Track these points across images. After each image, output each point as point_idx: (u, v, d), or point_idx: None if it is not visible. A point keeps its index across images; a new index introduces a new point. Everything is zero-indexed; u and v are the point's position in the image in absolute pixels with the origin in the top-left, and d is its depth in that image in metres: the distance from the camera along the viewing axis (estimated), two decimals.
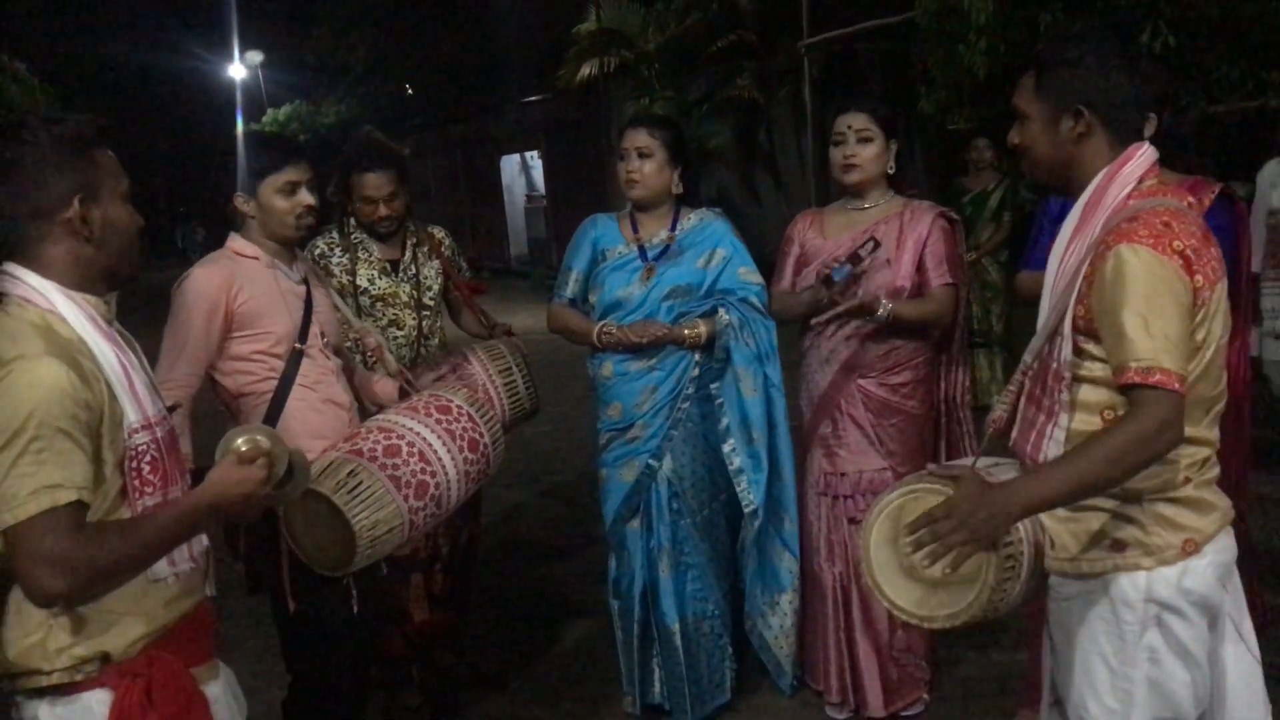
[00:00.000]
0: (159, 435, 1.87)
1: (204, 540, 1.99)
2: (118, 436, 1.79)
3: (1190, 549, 1.95)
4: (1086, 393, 1.95)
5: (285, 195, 2.76)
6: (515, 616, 4.53)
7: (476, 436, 2.72)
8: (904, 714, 3.44)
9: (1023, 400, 2.07)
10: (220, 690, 2.00)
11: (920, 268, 3.32)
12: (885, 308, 3.17)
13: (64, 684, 1.78)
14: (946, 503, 1.87)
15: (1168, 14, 7.03)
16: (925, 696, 3.49)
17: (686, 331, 3.31)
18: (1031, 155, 2.07)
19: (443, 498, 2.62)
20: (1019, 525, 1.94)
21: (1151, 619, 1.95)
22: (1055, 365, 1.98)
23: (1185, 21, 7.08)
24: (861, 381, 3.34)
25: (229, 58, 25.98)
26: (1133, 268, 1.83)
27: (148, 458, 1.83)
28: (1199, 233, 1.92)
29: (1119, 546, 1.97)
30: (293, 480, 2.09)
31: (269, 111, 27.07)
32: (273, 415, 2.72)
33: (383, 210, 3.54)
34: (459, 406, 2.74)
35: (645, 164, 3.37)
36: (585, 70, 14.49)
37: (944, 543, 1.84)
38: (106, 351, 1.82)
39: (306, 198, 2.78)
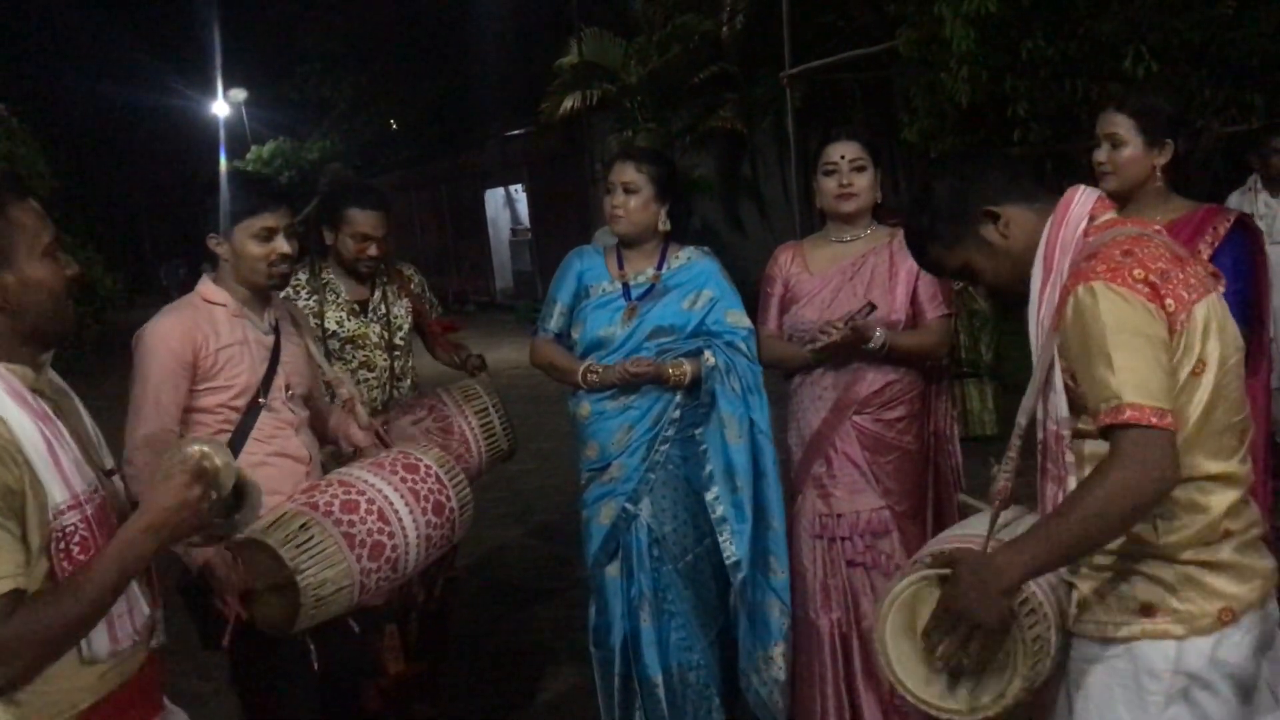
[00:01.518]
0: (89, 513, 1.73)
1: (145, 609, 1.84)
2: (43, 518, 1.67)
3: (1227, 618, 1.81)
4: (1091, 448, 1.84)
5: (260, 241, 2.60)
6: (495, 665, 4.38)
7: (443, 500, 2.59)
8: None
9: (1038, 478, 1.96)
10: None
11: (914, 299, 3.23)
12: (879, 339, 3.08)
13: None
14: (942, 598, 1.79)
15: (1150, 40, 7.03)
16: None
17: (671, 370, 3.19)
18: (999, 287, 2.03)
19: (399, 560, 2.49)
20: (1042, 601, 1.84)
21: (1179, 692, 1.81)
22: (1054, 426, 1.87)
23: (1167, 46, 7.08)
24: (856, 418, 3.23)
25: (213, 95, 25.95)
26: (1089, 309, 1.75)
27: (76, 538, 1.70)
28: (1167, 254, 1.83)
29: (1148, 611, 1.83)
30: (244, 507, 1.93)
31: (253, 148, 27.03)
32: None
33: (373, 250, 3.45)
34: (427, 466, 2.62)
35: (631, 199, 3.26)
36: (568, 103, 14.53)
37: (951, 640, 1.78)
38: (29, 428, 1.68)
39: (283, 245, 2.62)
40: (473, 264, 22.23)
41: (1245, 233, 2.77)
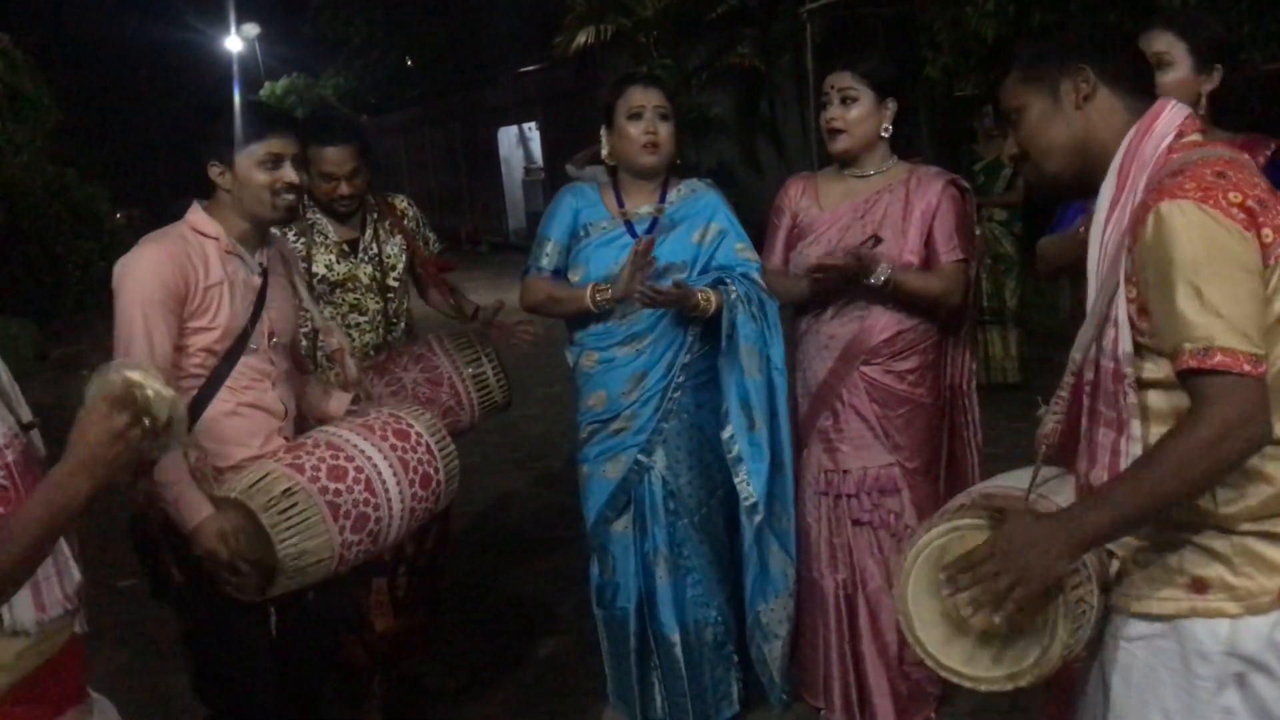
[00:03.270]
0: (9, 459, 1.60)
1: (76, 575, 1.69)
2: None
3: None
4: (1156, 399, 1.63)
5: (266, 168, 2.39)
6: (491, 619, 4.25)
7: (431, 472, 2.46)
8: None
9: (1084, 419, 1.74)
10: None
11: (929, 241, 3.01)
12: (883, 272, 2.87)
13: None
14: (989, 541, 1.58)
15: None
16: (932, 716, 3.20)
17: (700, 296, 2.97)
18: (1037, 150, 1.78)
19: (381, 533, 2.38)
20: (1085, 560, 1.64)
21: (1231, 676, 1.63)
22: (1113, 364, 1.65)
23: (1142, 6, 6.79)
24: (865, 369, 3.03)
25: (225, 30, 25.61)
26: (1177, 228, 1.52)
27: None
28: (1263, 183, 1.60)
29: (1200, 587, 1.64)
30: (170, 427, 1.67)
31: (266, 84, 26.75)
32: (191, 417, 2.40)
33: (344, 188, 3.24)
34: (418, 434, 2.47)
35: (664, 126, 3.05)
36: (581, 38, 14.25)
37: (987, 588, 1.57)
38: None
39: (290, 174, 2.42)
40: (485, 203, 22.05)
41: None
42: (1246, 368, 1.48)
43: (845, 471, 3.08)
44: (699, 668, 3.17)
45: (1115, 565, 1.71)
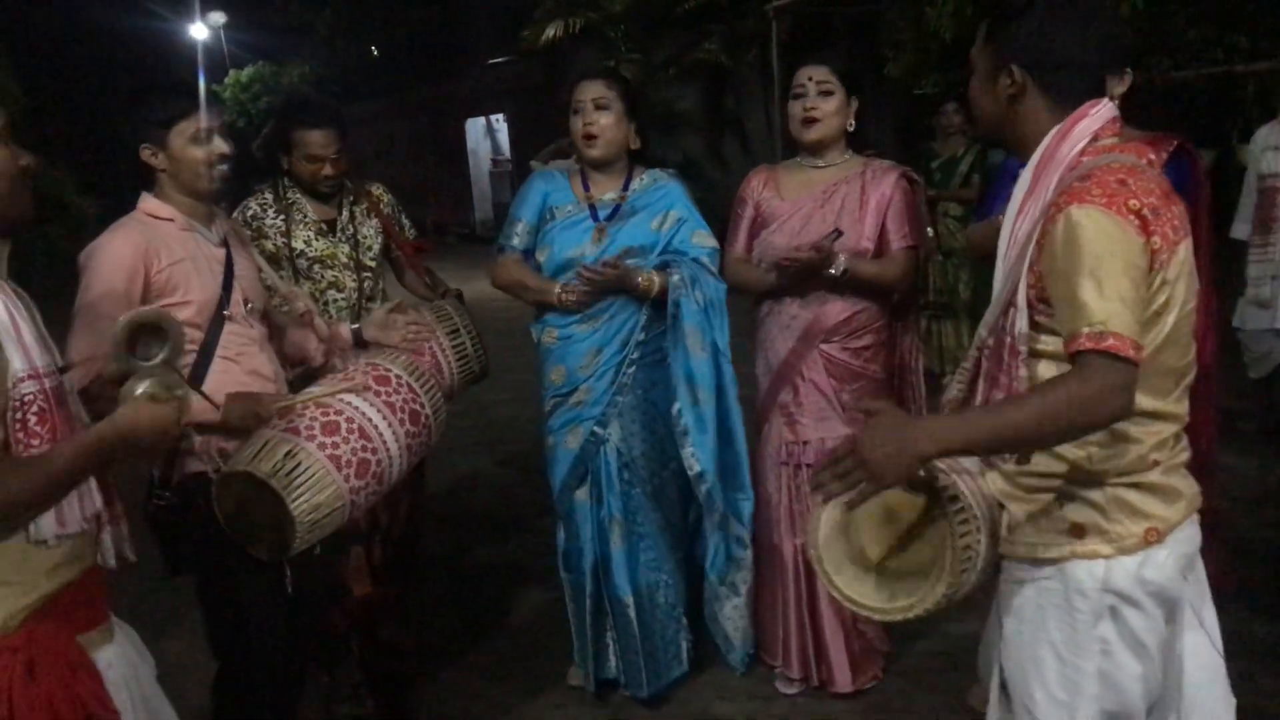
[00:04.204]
0: (48, 387, 1.77)
1: (96, 502, 1.86)
2: (2, 385, 1.71)
3: (1152, 538, 1.84)
4: (1045, 369, 1.84)
5: (199, 144, 2.54)
6: (464, 589, 4.43)
7: (417, 408, 2.61)
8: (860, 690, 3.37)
9: (981, 380, 1.95)
10: (115, 654, 1.92)
11: (882, 229, 3.22)
12: (840, 264, 3.08)
13: None
14: (850, 439, 1.75)
15: None
16: (880, 674, 3.42)
17: (640, 278, 3.17)
18: (975, 109, 1.97)
19: (384, 474, 2.52)
20: (977, 514, 1.84)
21: (1106, 609, 1.85)
22: (1010, 340, 1.85)
23: None
24: (824, 346, 3.25)
25: (191, 18, 25.39)
26: (1084, 230, 1.71)
27: (34, 409, 1.73)
28: (1159, 190, 1.79)
29: (1078, 532, 1.86)
30: (169, 346, 2.04)
31: (231, 72, 26.54)
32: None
33: (328, 169, 3.40)
34: (398, 376, 2.62)
35: (602, 116, 3.22)
36: (550, 31, 14.33)
37: (843, 482, 1.72)
38: None
39: (221, 145, 2.56)
40: (453, 195, 22.03)
41: (1185, 159, 2.76)
42: (1130, 353, 1.66)
43: (805, 442, 3.29)
44: (651, 629, 3.36)
45: (1007, 518, 1.92)
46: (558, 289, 3.23)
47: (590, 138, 3.23)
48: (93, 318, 2.42)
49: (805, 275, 3.15)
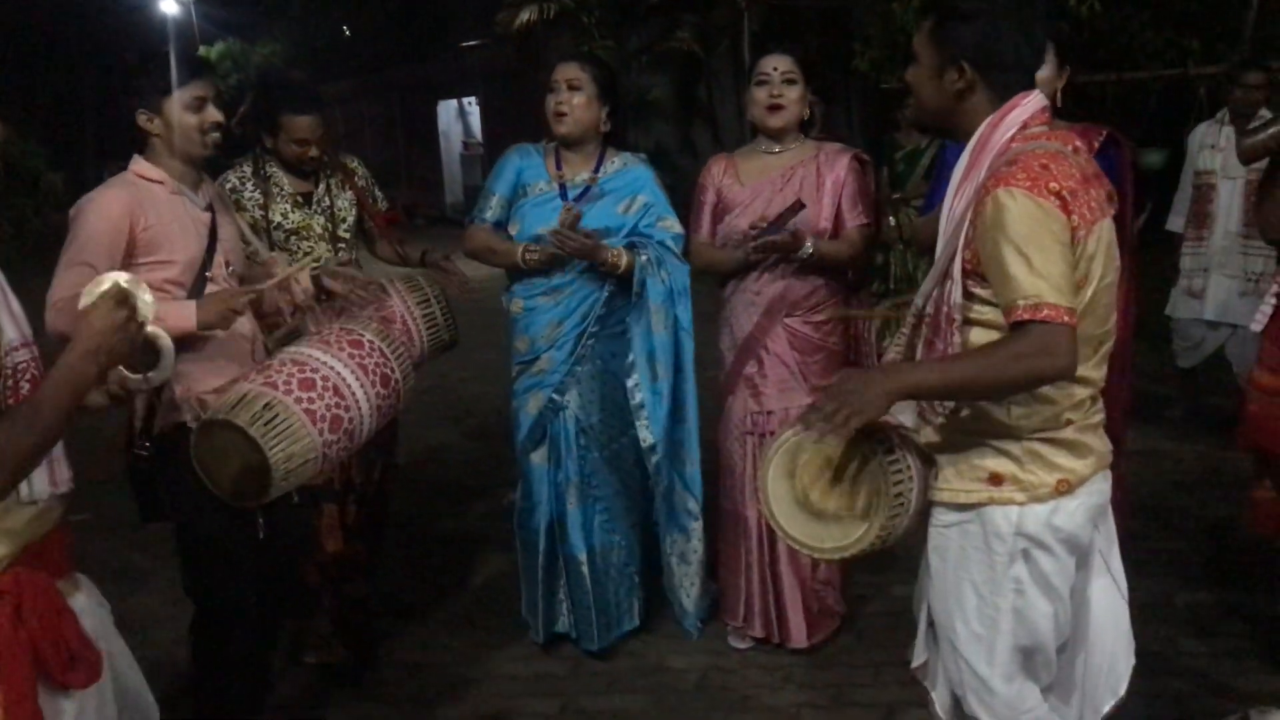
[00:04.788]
0: (36, 353, 1.85)
1: (67, 466, 1.94)
2: None
3: (1063, 489, 2.02)
4: (977, 335, 2.00)
5: (194, 111, 2.68)
6: (430, 551, 4.58)
7: (388, 372, 2.74)
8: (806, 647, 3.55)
9: (919, 347, 2.12)
10: (84, 601, 1.99)
11: (837, 209, 3.40)
12: (809, 247, 3.25)
13: None
14: (833, 393, 1.93)
15: None
16: (831, 633, 3.62)
17: (609, 254, 3.31)
18: (917, 98, 2.12)
19: (355, 431, 2.64)
20: (909, 464, 2.02)
21: (1019, 552, 2.03)
22: (946, 309, 2.01)
23: None
24: (788, 320, 3.41)
25: None
26: (1010, 210, 1.87)
27: (27, 376, 1.81)
28: (1078, 175, 1.96)
29: (996, 480, 2.03)
30: (159, 365, 2.14)
31: (201, 48, 26.26)
32: (177, 348, 2.69)
33: (314, 151, 3.52)
34: (370, 341, 2.75)
35: (574, 96, 3.36)
36: (525, 16, 14.32)
37: (828, 418, 1.90)
38: None
39: (214, 114, 2.72)
40: (423, 177, 21.96)
41: (1116, 148, 2.95)
42: (1066, 318, 1.84)
43: (769, 412, 3.46)
44: (604, 585, 3.53)
45: (935, 469, 2.11)
46: (521, 249, 3.37)
47: (560, 115, 3.37)
48: (77, 264, 2.56)
49: (776, 256, 3.32)
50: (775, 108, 3.34)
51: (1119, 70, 7.30)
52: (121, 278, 1.94)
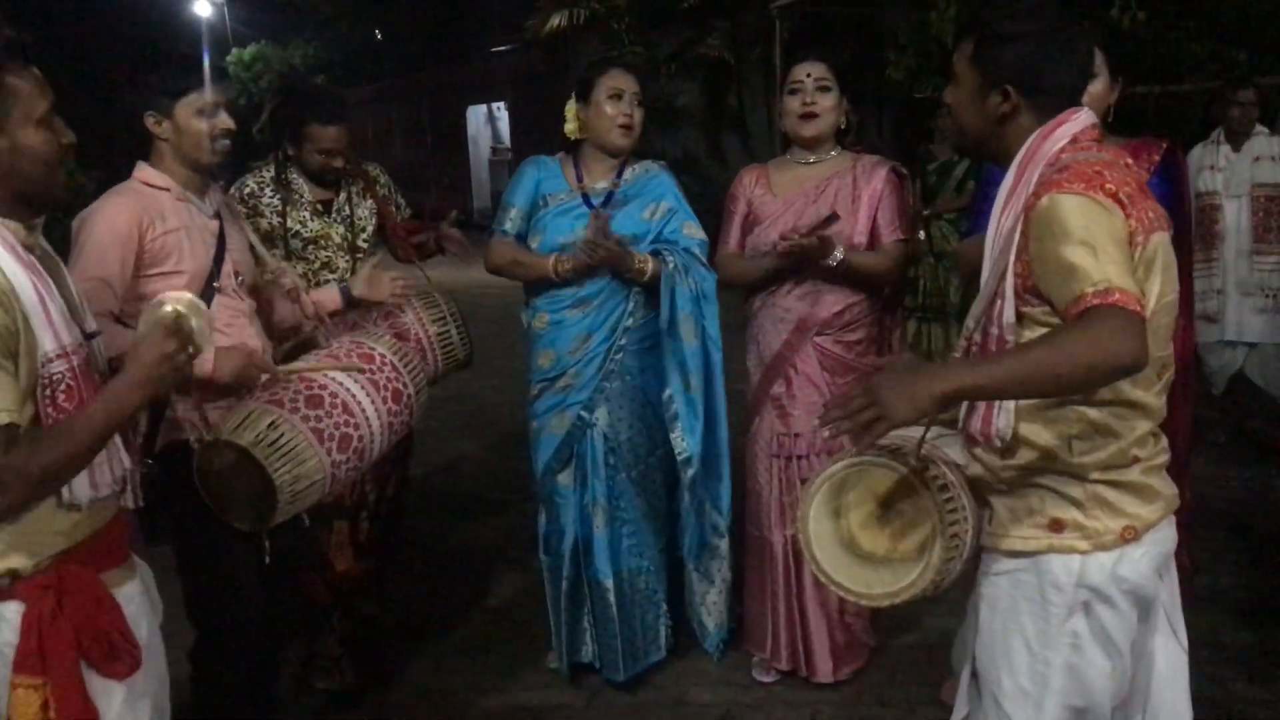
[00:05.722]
0: (75, 364, 1.83)
1: (125, 461, 1.95)
2: (33, 365, 1.78)
3: (1129, 536, 1.87)
4: None
5: (205, 116, 2.57)
6: (445, 569, 4.45)
7: (400, 387, 2.62)
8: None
9: None
10: (135, 589, 2.02)
11: (873, 223, 3.26)
12: (838, 255, 3.11)
13: None
14: (867, 390, 1.71)
15: None
16: (861, 665, 3.46)
17: (636, 260, 3.19)
18: (958, 120, 2.00)
19: (366, 450, 2.53)
20: (964, 503, 1.87)
21: (1079, 604, 1.88)
22: (997, 331, 1.87)
23: None
24: (817, 339, 3.27)
25: None
26: (1065, 208, 1.73)
27: (63, 386, 1.81)
28: (1134, 183, 1.83)
29: (1056, 526, 1.89)
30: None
31: (234, 50, 26.43)
32: None
33: (337, 162, 3.43)
34: (382, 355, 2.63)
35: (637, 111, 3.27)
36: (555, 21, 14.31)
37: (855, 419, 1.70)
38: (22, 279, 1.77)
39: (226, 120, 2.61)
40: (451, 181, 21.98)
41: (1173, 163, 2.79)
42: (1136, 307, 1.66)
43: (797, 435, 3.31)
44: (630, 613, 3.39)
45: (988, 511, 1.95)
46: (552, 260, 3.24)
47: (629, 128, 3.27)
48: (88, 279, 2.43)
49: (802, 261, 3.17)
50: (808, 116, 3.21)
51: (1162, 83, 7.12)
52: (181, 303, 1.94)
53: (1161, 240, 1.85)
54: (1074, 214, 1.73)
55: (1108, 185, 1.76)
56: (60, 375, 1.80)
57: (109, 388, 1.84)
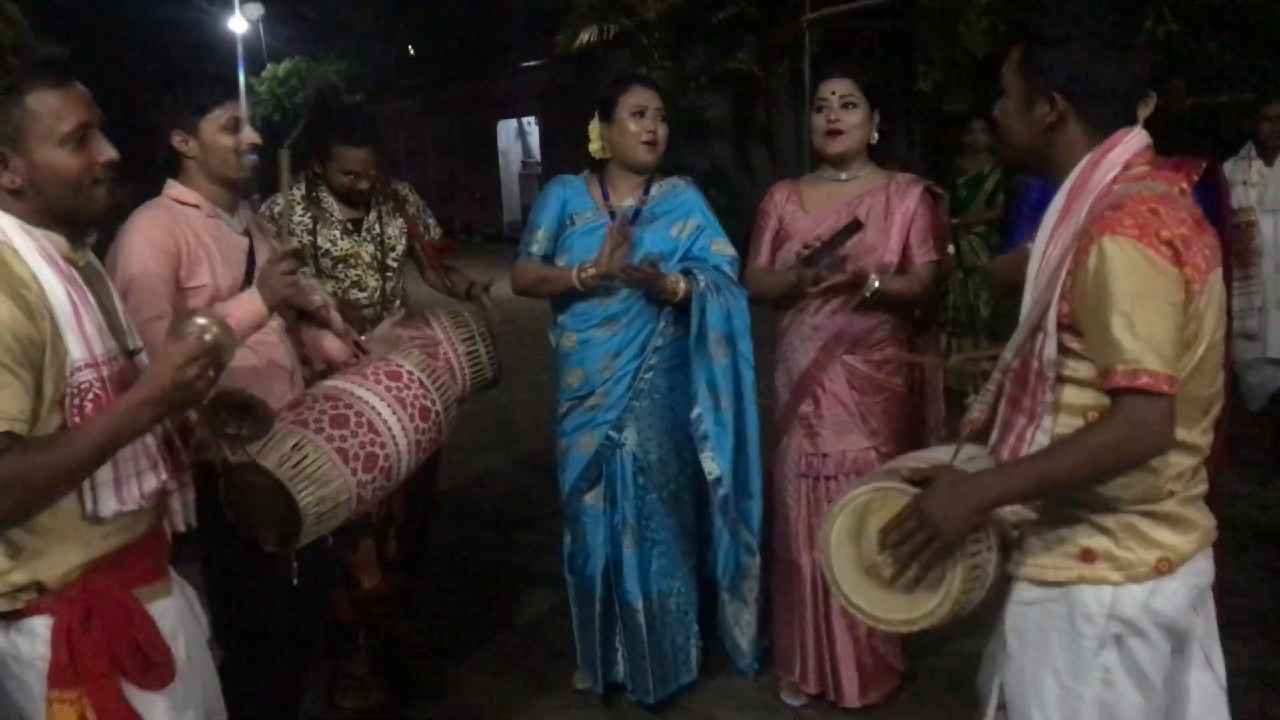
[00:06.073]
0: (105, 374, 1.84)
1: (157, 479, 1.95)
2: (60, 373, 1.79)
3: (1164, 568, 1.83)
4: (1070, 394, 1.83)
5: (230, 132, 2.58)
6: (473, 586, 4.44)
7: (428, 404, 2.60)
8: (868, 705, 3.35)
9: (1002, 402, 1.95)
10: (171, 605, 2.01)
11: (905, 243, 3.22)
12: (871, 286, 3.08)
13: (6, 611, 1.83)
14: (913, 503, 1.78)
15: (1172, 0, 6.93)
16: (892, 690, 3.41)
17: (669, 280, 3.17)
18: (1005, 134, 1.95)
19: (393, 469, 2.51)
20: (988, 531, 1.85)
21: (1111, 637, 1.84)
22: (1037, 364, 1.85)
23: (1189, 9, 6.98)
24: (846, 358, 3.24)
25: (229, 10, 25.56)
26: (1116, 263, 1.71)
27: (90, 395, 1.82)
28: (1190, 220, 1.79)
29: (1088, 557, 1.85)
30: (253, 425, 2.11)
31: (268, 66, 26.70)
32: None
33: (363, 184, 3.44)
34: (409, 372, 2.62)
35: (660, 127, 3.26)
36: (584, 36, 14.36)
37: (911, 547, 1.78)
38: (56, 288, 1.80)
39: (252, 135, 2.61)
40: (482, 195, 22.10)
41: (1212, 181, 2.73)
42: (1165, 388, 1.68)
43: (825, 455, 3.28)
44: (660, 635, 3.36)
45: (1017, 539, 1.92)
46: (575, 270, 3.22)
47: (652, 144, 3.25)
48: (134, 304, 2.42)
49: (839, 295, 3.14)
50: (834, 133, 3.18)
51: (1196, 95, 7.04)
52: (211, 327, 1.85)
53: (1216, 278, 1.83)
54: (1123, 274, 1.70)
55: (1163, 232, 1.72)
56: (88, 384, 1.81)
57: (120, 402, 1.81)
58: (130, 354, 1.96)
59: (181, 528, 2.07)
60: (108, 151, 1.88)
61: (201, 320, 1.85)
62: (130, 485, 1.89)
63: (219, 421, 2.13)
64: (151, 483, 1.94)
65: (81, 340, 1.81)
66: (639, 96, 3.25)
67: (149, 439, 1.93)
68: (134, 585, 1.94)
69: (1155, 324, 1.69)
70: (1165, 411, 1.69)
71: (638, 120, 3.24)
